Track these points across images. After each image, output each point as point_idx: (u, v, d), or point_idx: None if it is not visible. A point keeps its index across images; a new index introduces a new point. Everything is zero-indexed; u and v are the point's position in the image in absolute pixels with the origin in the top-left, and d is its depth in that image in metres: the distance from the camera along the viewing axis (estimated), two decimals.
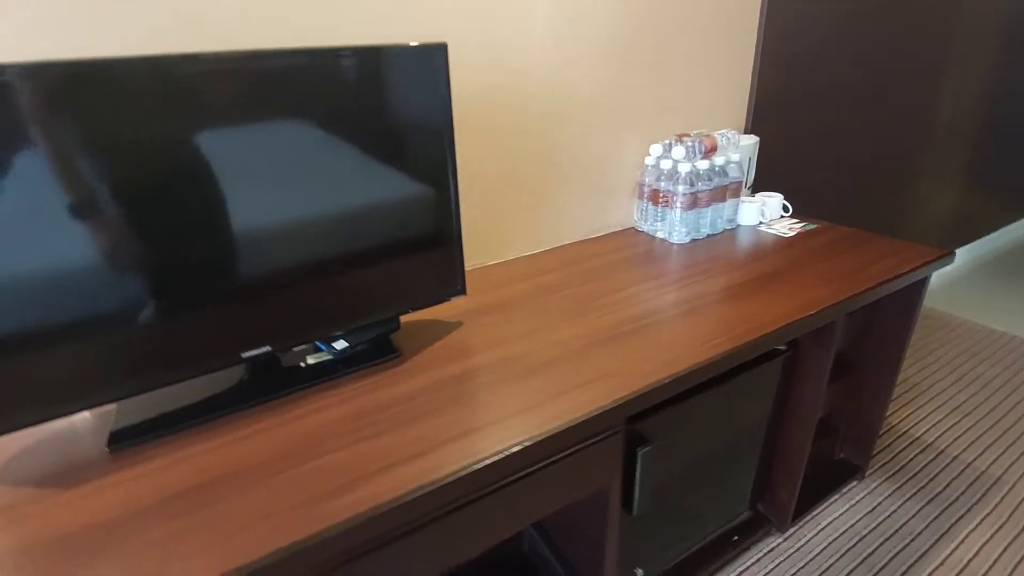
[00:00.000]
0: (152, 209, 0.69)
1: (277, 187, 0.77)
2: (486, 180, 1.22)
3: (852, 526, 1.41)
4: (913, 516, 1.43)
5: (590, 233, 1.44)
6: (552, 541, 1.17)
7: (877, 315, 1.36)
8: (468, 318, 1.03)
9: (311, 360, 0.89)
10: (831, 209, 2.01)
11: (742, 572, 1.30)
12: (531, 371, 0.85)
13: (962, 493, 1.49)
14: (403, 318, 1.03)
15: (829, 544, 1.36)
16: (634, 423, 0.94)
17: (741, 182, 1.42)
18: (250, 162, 0.74)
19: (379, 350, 0.91)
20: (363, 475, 0.65)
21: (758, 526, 1.36)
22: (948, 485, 1.52)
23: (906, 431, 1.73)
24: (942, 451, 1.65)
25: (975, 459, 1.62)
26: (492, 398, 0.79)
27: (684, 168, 1.30)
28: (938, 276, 2.76)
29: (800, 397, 1.24)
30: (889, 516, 1.43)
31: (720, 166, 1.36)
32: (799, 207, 1.57)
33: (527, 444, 0.69)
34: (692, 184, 1.32)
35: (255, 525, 0.59)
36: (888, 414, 1.81)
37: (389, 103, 0.81)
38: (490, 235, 1.28)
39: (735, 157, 1.38)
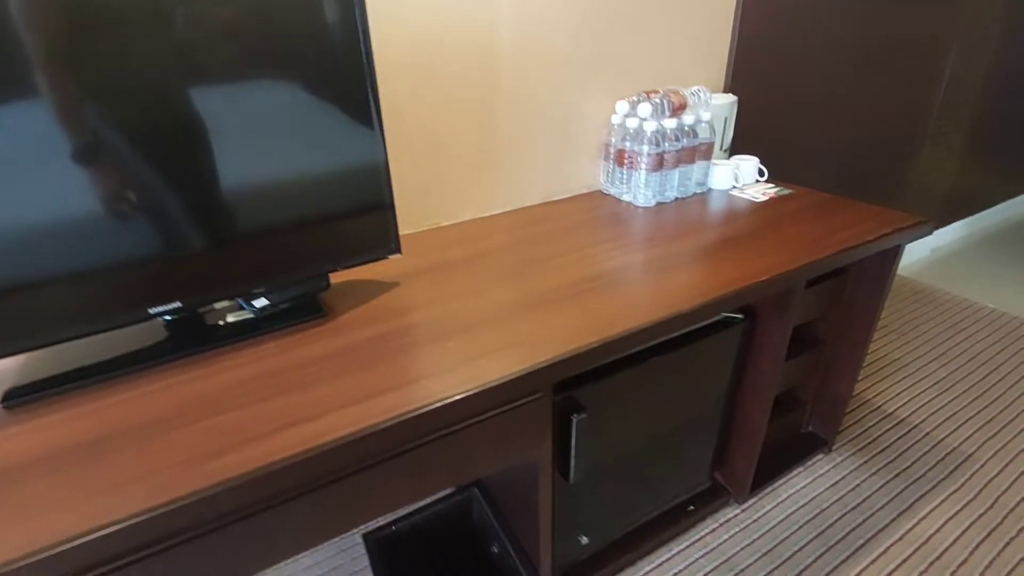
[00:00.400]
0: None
1: (187, 137, 0.72)
2: (438, 137, 1.16)
3: (813, 499, 1.39)
4: (877, 491, 1.40)
5: (553, 195, 1.38)
6: (497, 508, 1.16)
7: (847, 285, 1.30)
8: (407, 279, 0.99)
9: (231, 318, 0.86)
10: (818, 176, 1.93)
11: (696, 542, 1.29)
12: (456, 332, 0.81)
13: (930, 469, 1.46)
14: (338, 278, 0.99)
15: (787, 516, 1.34)
16: (571, 389, 0.91)
17: (712, 143, 1.34)
18: (156, 112, 0.69)
19: (304, 309, 0.87)
20: (255, 435, 0.62)
21: (716, 496, 1.34)
22: (916, 461, 1.49)
23: (880, 406, 1.69)
24: (915, 426, 1.62)
25: (948, 435, 1.58)
26: (410, 359, 0.75)
27: (650, 127, 1.23)
28: (932, 250, 2.68)
29: (758, 368, 1.20)
30: (852, 490, 1.41)
31: (689, 126, 1.29)
32: (782, 172, 1.49)
33: (430, 407, 0.65)
34: (658, 144, 1.25)
35: (129, 484, 0.57)
36: (862, 388, 1.77)
37: (300, 43, 0.75)
38: (444, 195, 1.22)
39: (706, 117, 1.30)
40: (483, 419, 0.72)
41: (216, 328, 0.84)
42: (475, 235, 1.18)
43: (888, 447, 1.54)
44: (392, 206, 0.90)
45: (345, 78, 0.79)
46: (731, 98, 1.45)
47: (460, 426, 0.70)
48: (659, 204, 1.33)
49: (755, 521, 1.33)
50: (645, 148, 1.25)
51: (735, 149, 1.55)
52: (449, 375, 0.71)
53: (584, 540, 1.12)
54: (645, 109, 1.24)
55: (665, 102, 1.26)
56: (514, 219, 1.26)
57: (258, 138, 0.76)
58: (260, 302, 0.86)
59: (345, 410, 0.66)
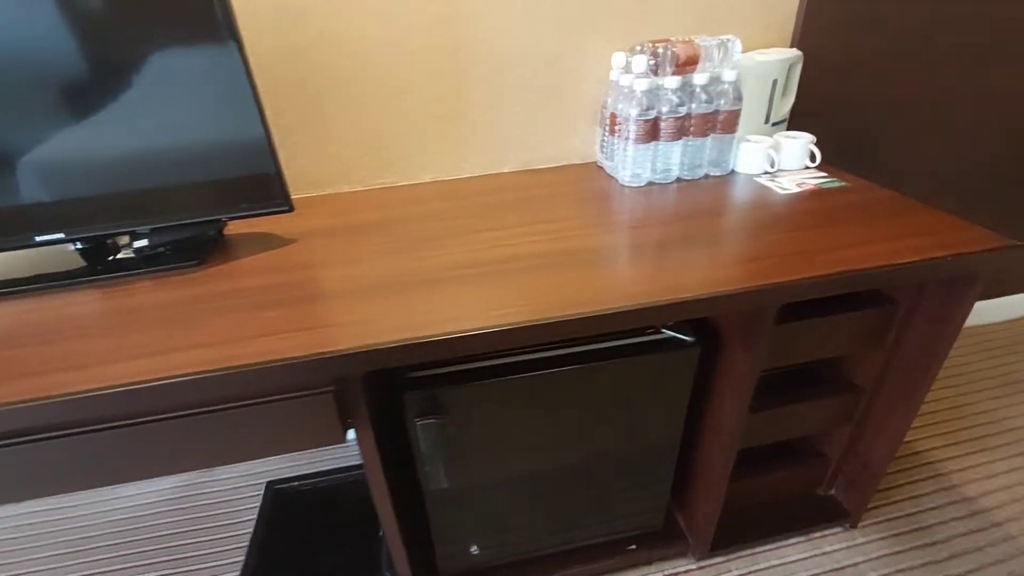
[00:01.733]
0: None
1: (71, 76, 0.72)
2: (390, 86, 1.05)
3: None
4: None
5: (535, 163, 1.20)
6: None
7: (894, 321, 0.95)
8: (308, 238, 0.93)
9: (120, 256, 0.87)
10: (917, 181, 1.44)
11: None
12: (292, 303, 0.73)
13: (971, 573, 1.07)
14: (237, 230, 0.97)
15: None
16: (432, 387, 0.79)
17: (737, 112, 1.04)
18: (35, 50, 0.70)
19: (181, 255, 0.86)
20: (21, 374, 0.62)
21: (669, 542, 1.13)
22: (974, 571, 1.10)
23: (940, 482, 1.27)
24: (983, 511, 1.19)
25: None
26: (222, 322, 0.69)
27: (640, 86, 0.99)
28: None
29: (720, 407, 0.94)
30: None
31: (702, 86, 1.01)
32: (858, 165, 1.12)
33: (161, 382, 0.59)
34: (650, 108, 1.00)
35: None
36: (921, 453, 1.34)
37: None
38: (401, 153, 1.12)
39: (729, 76, 1.01)
40: (252, 404, 0.64)
41: (103, 263, 0.87)
42: (417, 198, 1.07)
43: (938, 542, 1.15)
44: (273, 163, 0.83)
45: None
46: (789, 54, 1.10)
47: (225, 406, 0.64)
48: (651, 184, 1.08)
49: None
50: (633, 112, 1.00)
51: (795, 125, 1.20)
52: (224, 348, 0.64)
53: (475, 550, 1.01)
54: (639, 62, 0.99)
55: (669, 54, 0.99)
56: (475, 186, 1.12)
57: (128, 96, 0.74)
58: (140, 242, 0.86)
59: (113, 365, 0.63)
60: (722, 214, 0.94)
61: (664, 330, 0.89)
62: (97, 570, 1.19)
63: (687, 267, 0.77)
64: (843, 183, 1.03)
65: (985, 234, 0.82)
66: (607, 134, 1.11)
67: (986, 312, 1.78)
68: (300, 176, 1.09)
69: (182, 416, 0.63)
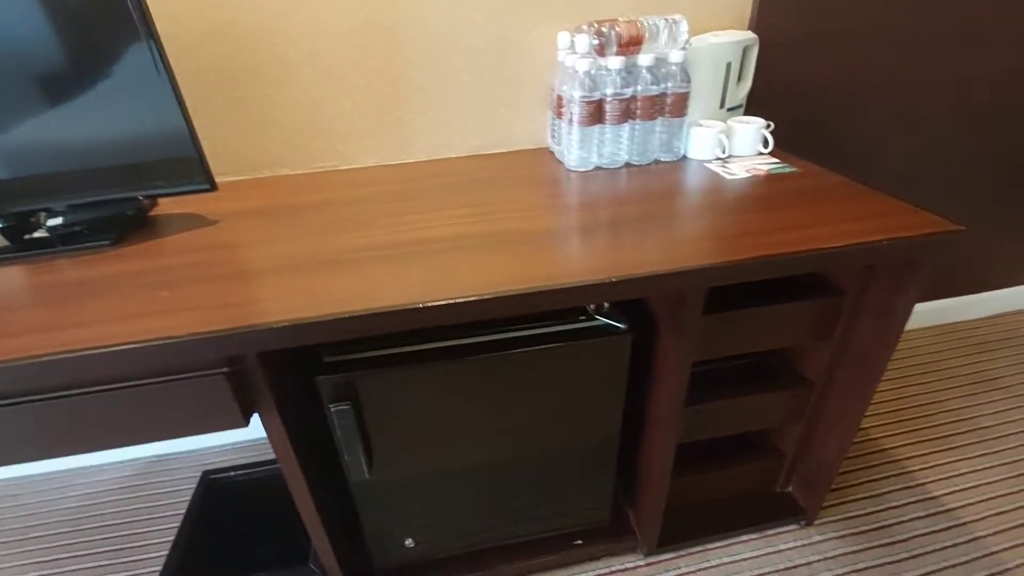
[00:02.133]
0: None
1: None
2: (326, 67, 1.02)
3: None
4: None
5: (486, 148, 1.17)
6: None
7: (841, 314, 0.92)
8: (232, 219, 0.90)
9: (36, 234, 0.85)
10: (875, 168, 1.40)
11: None
12: (192, 282, 0.70)
13: (932, 574, 1.03)
14: (166, 211, 0.94)
15: None
16: (346, 371, 0.76)
17: (685, 95, 1.01)
18: None
19: (97, 234, 0.84)
20: None
21: (618, 537, 1.10)
22: (935, 571, 1.06)
23: (906, 476, 1.23)
24: (946, 511, 1.15)
25: (991, 534, 1.10)
26: (113, 301, 0.67)
27: (582, 66, 0.95)
28: None
29: (656, 399, 0.91)
30: None
31: (647, 67, 0.97)
32: (808, 149, 1.09)
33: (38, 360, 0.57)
34: (593, 89, 0.97)
35: None
36: (892, 451, 1.30)
37: None
38: (343, 134, 1.09)
39: (675, 58, 0.97)
40: (140, 385, 0.62)
41: (25, 242, 0.84)
42: (357, 182, 1.04)
43: (897, 541, 1.12)
44: (190, 140, 0.80)
45: None
46: (743, 36, 1.06)
47: (109, 387, 0.61)
48: (599, 169, 1.05)
49: None
50: (576, 93, 0.97)
51: (753, 112, 1.16)
52: (100, 327, 0.61)
53: (410, 543, 0.99)
54: (583, 42, 0.96)
55: (613, 33, 0.96)
56: (419, 170, 1.09)
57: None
58: (53, 220, 0.84)
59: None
60: (661, 199, 0.90)
61: (597, 317, 0.86)
62: (43, 558, 1.18)
63: (613, 250, 0.74)
64: (794, 169, 1.00)
65: (930, 219, 0.78)
66: (555, 117, 1.08)
67: (960, 310, 1.74)
68: (236, 159, 1.06)
69: (64, 396, 0.61)
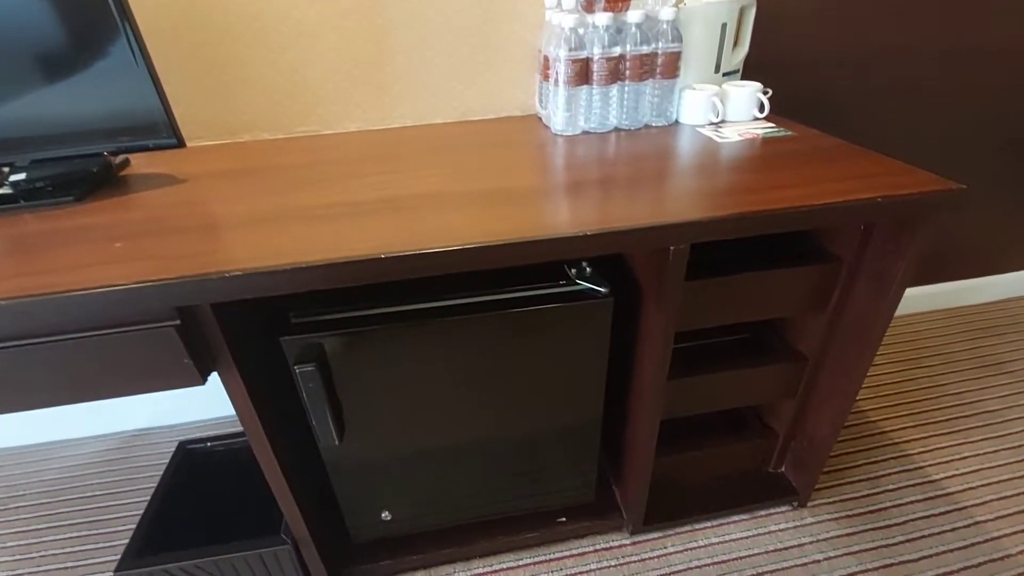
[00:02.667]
0: None
1: None
2: (303, 25, 0.99)
3: (739, 558, 1.03)
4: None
5: (472, 114, 1.13)
6: None
7: (836, 282, 0.87)
8: (202, 179, 0.87)
9: (2, 190, 0.83)
10: (878, 139, 1.34)
11: (552, 560, 1.04)
12: (149, 234, 0.68)
13: (929, 559, 0.99)
14: (137, 171, 0.92)
15: (689, 568, 1.02)
16: (306, 332, 0.73)
17: (677, 55, 0.96)
18: None
19: (61, 190, 0.81)
20: None
21: (604, 515, 1.06)
22: (929, 556, 1.02)
23: (906, 458, 1.19)
24: (946, 495, 1.11)
25: (993, 519, 1.06)
26: (66, 252, 0.64)
27: (567, 22, 0.91)
28: None
29: (640, 370, 0.87)
30: (805, 564, 1.01)
31: (636, 25, 0.93)
32: (806, 120, 1.04)
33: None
34: (580, 47, 0.93)
35: None
36: (891, 434, 1.26)
37: None
38: (322, 97, 1.06)
39: (666, 15, 0.93)
40: (87, 336, 0.59)
41: None
42: (334, 147, 1.00)
43: (893, 524, 1.08)
44: (155, 94, 0.77)
45: None
46: None
47: (57, 337, 0.59)
48: (587, 134, 1.01)
49: (641, 560, 1.03)
50: (562, 52, 0.93)
51: (750, 79, 1.11)
52: (51, 275, 0.59)
53: (386, 515, 0.96)
54: None
55: None
56: (402, 136, 1.05)
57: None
58: (16, 176, 0.81)
59: None
60: (648, 159, 0.86)
61: (578, 281, 0.82)
62: (22, 528, 1.17)
63: (594, 207, 0.70)
64: (790, 132, 0.95)
65: (930, 177, 0.74)
66: (542, 80, 1.04)
67: (967, 293, 1.68)
68: (211, 123, 1.03)
69: (5, 348, 0.58)
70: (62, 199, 0.79)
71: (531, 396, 0.87)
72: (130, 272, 0.58)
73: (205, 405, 1.40)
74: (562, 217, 0.68)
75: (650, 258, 0.78)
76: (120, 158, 0.92)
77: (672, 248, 0.70)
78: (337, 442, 0.81)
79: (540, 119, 1.11)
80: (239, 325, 0.70)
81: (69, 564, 1.08)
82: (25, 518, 1.19)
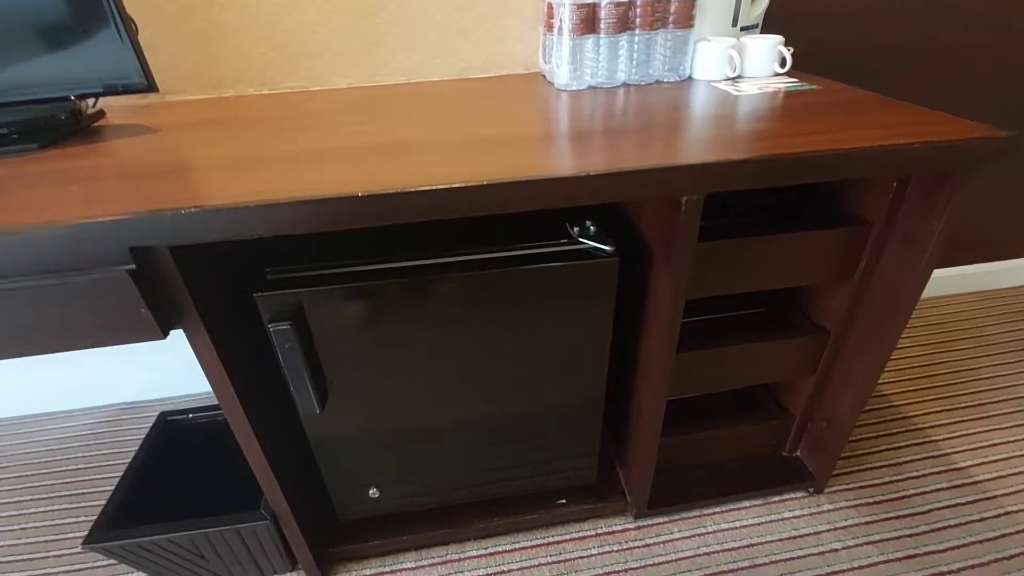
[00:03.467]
0: None
1: None
2: None
3: (749, 546, 0.96)
4: (862, 568, 0.93)
5: (471, 71, 1.06)
6: None
7: (866, 247, 0.80)
8: (177, 129, 0.82)
9: None
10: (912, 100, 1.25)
11: (550, 543, 0.98)
12: (110, 178, 0.62)
13: (956, 549, 0.92)
14: (109, 122, 0.86)
15: (696, 555, 0.95)
16: (282, 288, 0.67)
17: (691, 2, 0.89)
18: None
19: (27, 137, 0.76)
20: None
21: (607, 498, 1.00)
22: (954, 547, 0.95)
23: (931, 444, 1.11)
24: (974, 483, 1.04)
25: (1023, 509, 0.99)
26: (19, 195, 0.59)
27: None
28: None
29: (647, 340, 0.81)
30: (822, 554, 0.95)
31: None
32: (828, 74, 0.96)
33: None
34: None
35: None
36: (916, 419, 1.18)
37: None
38: (309, 50, 0.99)
39: None
40: (40, 282, 0.53)
41: None
42: (316, 100, 0.94)
43: (917, 513, 1.00)
44: (123, 33, 0.71)
45: None
46: None
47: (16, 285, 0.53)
48: (593, 89, 0.93)
49: (646, 545, 0.97)
50: None
51: (769, 31, 1.03)
52: (41, 210, 0.53)
53: (374, 493, 0.91)
54: None
55: None
56: (394, 92, 0.99)
57: None
58: None
59: None
60: (658, 112, 0.79)
61: (581, 240, 0.75)
62: (7, 500, 1.13)
63: (597, 152, 0.63)
64: (815, 87, 0.87)
65: (971, 125, 0.66)
66: (545, 31, 0.97)
67: (1002, 275, 1.59)
68: (193, 75, 0.97)
69: None
70: (27, 146, 0.74)
71: (530, 366, 0.81)
72: (84, 213, 0.52)
73: (196, 378, 1.35)
74: (563, 161, 0.61)
75: (660, 213, 0.71)
76: (93, 108, 0.87)
77: (684, 199, 0.63)
78: (318, 410, 0.75)
79: (544, 76, 1.03)
80: (209, 279, 0.65)
81: (50, 537, 1.05)
82: (7, 490, 1.16)
